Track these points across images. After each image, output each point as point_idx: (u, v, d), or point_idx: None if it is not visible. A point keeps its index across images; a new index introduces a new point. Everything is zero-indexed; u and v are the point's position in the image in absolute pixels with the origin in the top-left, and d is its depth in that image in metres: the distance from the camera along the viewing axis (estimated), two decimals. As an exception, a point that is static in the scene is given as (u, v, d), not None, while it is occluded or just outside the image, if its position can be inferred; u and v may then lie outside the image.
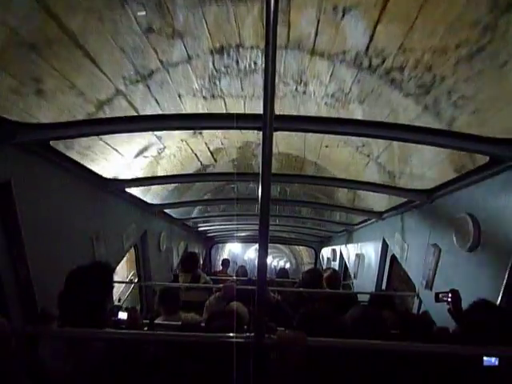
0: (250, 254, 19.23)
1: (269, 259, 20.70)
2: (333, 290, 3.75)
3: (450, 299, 2.42)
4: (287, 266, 20.26)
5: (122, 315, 2.46)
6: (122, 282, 4.93)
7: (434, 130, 2.13)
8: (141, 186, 3.75)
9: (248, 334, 1.20)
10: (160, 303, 3.27)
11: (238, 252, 17.22)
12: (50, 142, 2.24)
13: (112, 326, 1.85)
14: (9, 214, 1.95)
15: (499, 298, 2.11)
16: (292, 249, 16.86)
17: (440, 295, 2.51)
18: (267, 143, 1.00)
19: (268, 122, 0.96)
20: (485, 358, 1.39)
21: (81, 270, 1.80)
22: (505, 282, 2.10)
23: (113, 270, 1.97)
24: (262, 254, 1.16)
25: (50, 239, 2.34)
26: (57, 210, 2.43)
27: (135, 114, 3.01)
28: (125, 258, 4.54)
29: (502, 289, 2.11)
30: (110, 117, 2.28)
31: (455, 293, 2.39)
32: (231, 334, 1.27)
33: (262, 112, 0.96)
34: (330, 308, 2.08)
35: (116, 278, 3.57)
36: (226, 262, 7.86)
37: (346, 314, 2.46)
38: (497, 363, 1.39)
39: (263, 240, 1.14)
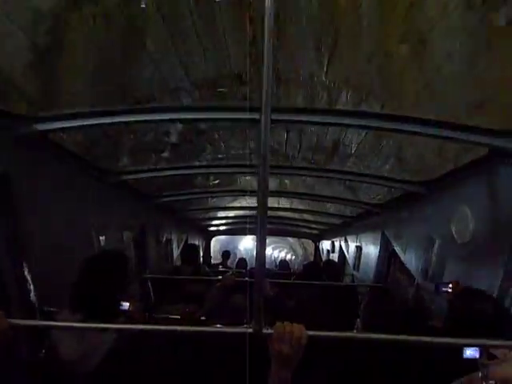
0: (247, 243, 17.09)
1: (268, 250, 20.25)
2: (331, 282, 3.76)
3: (450, 290, 2.44)
4: (291, 257, 19.52)
5: (125, 305, 2.49)
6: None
7: (431, 121, 2.12)
8: (141, 177, 3.74)
9: (246, 326, 1.21)
10: (162, 293, 3.32)
11: (233, 241, 15.50)
12: (49, 134, 2.23)
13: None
14: (6, 206, 1.95)
15: (496, 290, 2.11)
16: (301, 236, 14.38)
17: (440, 286, 2.52)
18: (265, 136, 1.00)
19: (266, 112, 0.96)
20: (466, 351, 1.32)
21: (97, 258, 1.81)
22: (502, 273, 2.10)
23: (128, 260, 1.97)
24: (261, 245, 1.16)
25: (49, 232, 2.34)
26: (55, 203, 2.43)
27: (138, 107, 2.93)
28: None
29: (500, 280, 2.11)
30: (112, 109, 2.26)
31: (456, 284, 2.40)
32: (229, 327, 1.28)
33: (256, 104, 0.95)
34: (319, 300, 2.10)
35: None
36: (226, 254, 7.88)
37: (344, 305, 2.48)
38: (477, 356, 1.31)
39: (262, 231, 1.14)
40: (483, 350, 1.33)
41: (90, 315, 1.60)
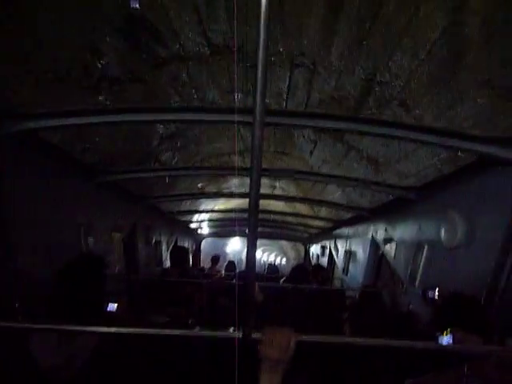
0: (235, 244, 16.03)
1: (257, 253, 20.01)
2: (320, 286, 3.78)
3: (437, 295, 2.46)
4: (280, 261, 19.18)
5: (112, 306, 2.48)
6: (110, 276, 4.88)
7: (419, 127, 2.14)
8: (131, 177, 3.71)
9: (235, 331, 1.20)
10: (149, 297, 3.28)
11: (219, 243, 14.36)
12: (39, 132, 2.20)
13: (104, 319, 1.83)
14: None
15: (484, 295, 2.14)
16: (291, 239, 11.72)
17: (428, 292, 2.55)
18: (257, 138, 1.00)
19: (258, 115, 0.96)
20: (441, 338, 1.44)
21: (74, 263, 1.78)
22: (489, 279, 2.13)
23: (105, 264, 1.95)
24: (251, 248, 1.16)
25: (37, 230, 2.30)
26: (44, 201, 2.40)
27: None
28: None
29: (487, 286, 2.14)
30: (102, 108, 2.24)
31: (443, 290, 2.43)
32: (218, 332, 1.27)
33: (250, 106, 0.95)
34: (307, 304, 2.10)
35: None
36: (215, 259, 7.81)
37: (332, 310, 2.49)
38: (451, 341, 1.42)
39: (252, 235, 1.14)
40: None
41: (71, 319, 1.58)
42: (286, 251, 17.04)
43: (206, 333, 1.35)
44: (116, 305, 2.47)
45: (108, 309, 2.43)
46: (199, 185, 5.74)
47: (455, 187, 2.63)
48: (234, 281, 3.82)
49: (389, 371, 1.67)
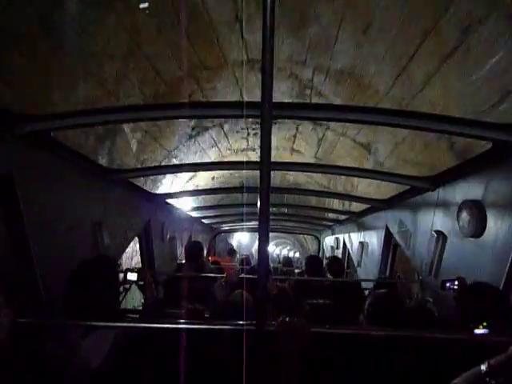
0: (242, 237, 15.69)
1: (271, 248, 19.98)
2: (336, 279, 3.78)
3: (456, 287, 2.43)
4: (293, 254, 19.19)
5: (132, 276, 2.55)
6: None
7: (433, 116, 2.10)
8: (143, 175, 3.75)
9: (248, 322, 1.21)
10: (165, 292, 3.32)
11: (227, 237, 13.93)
12: (51, 133, 2.23)
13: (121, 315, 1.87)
14: (11, 204, 1.96)
15: (502, 285, 2.11)
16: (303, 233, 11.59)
17: (446, 283, 2.52)
18: (266, 131, 1.00)
19: (266, 109, 0.96)
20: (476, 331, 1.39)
21: (88, 263, 1.82)
22: (507, 268, 2.10)
23: (116, 263, 2.00)
24: (263, 242, 1.16)
25: (53, 230, 2.35)
26: (59, 201, 2.44)
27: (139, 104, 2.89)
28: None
29: (505, 275, 2.10)
30: (115, 106, 2.26)
31: (462, 280, 2.40)
32: (233, 324, 1.28)
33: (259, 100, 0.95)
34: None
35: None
36: (232, 252, 7.86)
37: (349, 302, 2.48)
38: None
39: (264, 228, 1.14)
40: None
41: (91, 316, 1.61)
42: (304, 244, 16.51)
43: (220, 325, 1.37)
44: (136, 274, 2.57)
45: (128, 278, 2.52)
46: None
47: (471, 176, 2.58)
48: (249, 275, 3.83)
49: (406, 362, 1.66)
